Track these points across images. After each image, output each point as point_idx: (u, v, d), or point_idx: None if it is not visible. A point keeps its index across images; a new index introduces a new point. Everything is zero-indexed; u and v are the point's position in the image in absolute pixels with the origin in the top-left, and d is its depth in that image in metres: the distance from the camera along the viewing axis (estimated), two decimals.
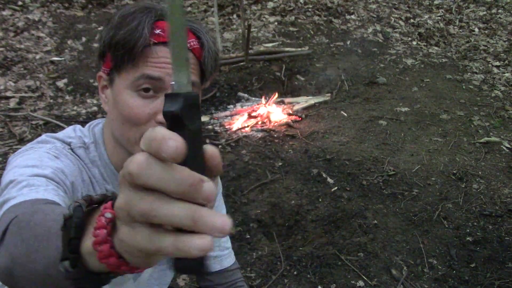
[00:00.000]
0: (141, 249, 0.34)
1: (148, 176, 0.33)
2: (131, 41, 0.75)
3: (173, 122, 0.35)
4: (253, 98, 4.37)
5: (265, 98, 4.19)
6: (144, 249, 0.34)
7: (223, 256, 1.15)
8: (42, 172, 0.74)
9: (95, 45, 4.82)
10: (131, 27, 0.76)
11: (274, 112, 3.99)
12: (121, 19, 0.78)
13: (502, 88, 4.86)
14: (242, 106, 4.22)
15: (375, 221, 2.60)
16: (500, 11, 7.28)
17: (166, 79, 0.78)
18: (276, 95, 4.19)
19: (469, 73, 5.22)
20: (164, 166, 0.33)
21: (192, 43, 0.81)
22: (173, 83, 0.35)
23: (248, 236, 2.49)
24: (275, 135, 3.65)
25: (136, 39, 0.75)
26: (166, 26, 0.37)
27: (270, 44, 5.41)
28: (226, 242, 1.16)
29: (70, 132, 0.89)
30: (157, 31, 0.78)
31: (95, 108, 3.96)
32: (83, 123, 0.95)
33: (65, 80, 4.33)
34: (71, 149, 0.86)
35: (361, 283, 2.18)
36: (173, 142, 0.32)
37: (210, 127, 3.84)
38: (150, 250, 0.34)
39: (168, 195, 0.33)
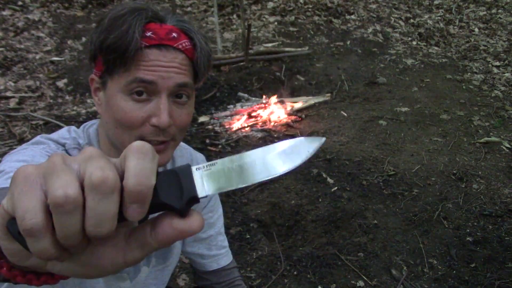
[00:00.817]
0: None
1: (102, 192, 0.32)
2: (123, 45, 0.74)
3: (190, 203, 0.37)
4: (253, 98, 4.37)
5: (266, 98, 4.19)
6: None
7: (220, 255, 1.15)
8: None
9: None
10: (121, 31, 0.74)
11: (275, 112, 3.99)
12: (111, 22, 0.76)
13: (502, 88, 4.86)
14: (242, 106, 4.22)
15: (375, 221, 2.60)
16: (500, 11, 7.29)
17: (159, 82, 0.77)
18: (276, 96, 4.20)
19: (469, 73, 5.23)
20: (111, 200, 0.32)
21: (184, 44, 0.80)
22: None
23: (248, 236, 2.49)
24: (275, 135, 3.65)
25: (127, 43, 0.74)
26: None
27: (270, 44, 5.41)
28: (223, 241, 1.16)
29: (65, 133, 0.89)
30: (148, 34, 0.77)
31: (95, 108, 3.96)
32: (83, 123, 0.95)
33: (65, 80, 4.33)
34: (65, 150, 0.85)
35: (361, 283, 2.18)
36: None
37: (210, 127, 3.84)
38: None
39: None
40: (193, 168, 0.38)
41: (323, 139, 0.41)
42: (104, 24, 0.77)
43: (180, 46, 0.79)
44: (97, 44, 0.78)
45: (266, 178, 0.39)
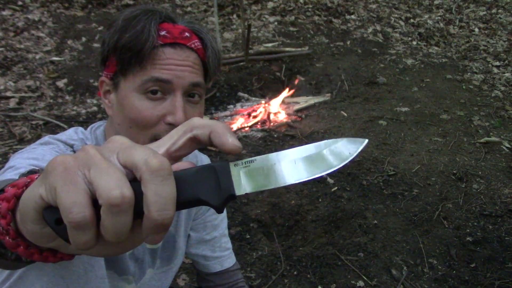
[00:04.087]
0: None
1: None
2: (138, 44, 0.76)
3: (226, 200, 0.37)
4: (253, 98, 4.37)
5: (268, 98, 4.19)
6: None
7: (224, 257, 1.15)
8: (41, 164, 0.74)
9: (95, 45, 4.83)
10: (137, 30, 0.76)
11: (276, 111, 3.99)
12: (125, 23, 0.78)
13: (502, 88, 4.86)
14: (242, 106, 4.22)
15: (375, 221, 2.60)
16: (500, 11, 7.29)
17: (174, 81, 0.78)
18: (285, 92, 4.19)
19: (469, 73, 5.22)
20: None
21: (196, 44, 0.82)
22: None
23: (248, 236, 2.49)
24: (275, 135, 3.65)
25: (143, 41, 0.75)
26: None
27: (270, 44, 5.41)
28: (227, 243, 1.16)
29: (72, 134, 0.89)
30: (163, 33, 0.78)
31: (95, 108, 3.96)
32: (83, 123, 0.95)
33: (65, 80, 4.33)
34: (74, 151, 0.86)
35: (361, 283, 2.18)
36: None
37: None
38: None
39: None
40: (231, 165, 0.37)
41: (366, 141, 0.39)
42: (117, 25, 0.78)
43: (192, 46, 0.81)
44: (111, 44, 0.79)
45: (306, 179, 0.38)
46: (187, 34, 0.81)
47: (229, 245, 1.17)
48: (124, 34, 0.77)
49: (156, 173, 0.32)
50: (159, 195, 0.32)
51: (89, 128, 0.92)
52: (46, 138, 0.86)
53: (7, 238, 0.38)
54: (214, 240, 1.12)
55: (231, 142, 0.37)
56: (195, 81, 0.80)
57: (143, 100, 0.79)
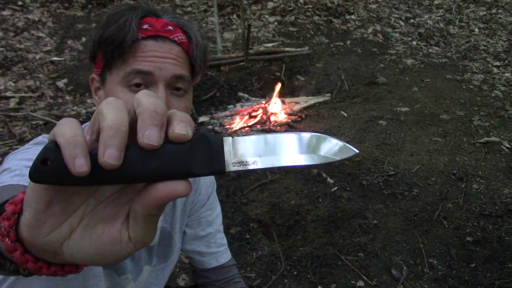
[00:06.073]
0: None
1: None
2: (120, 37, 0.77)
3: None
4: (253, 98, 4.37)
5: (266, 98, 4.19)
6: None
7: (219, 253, 1.15)
8: None
9: None
10: (119, 24, 0.77)
11: (275, 111, 3.99)
12: (109, 18, 0.79)
13: (502, 88, 4.86)
14: (242, 106, 4.22)
15: (375, 221, 2.60)
16: (500, 11, 7.29)
17: (156, 72, 0.79)
18: (277, 91, 4.19)
19: (469, 73, 5.22)
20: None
21: (180, 37, 0.82)
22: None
23: (248, 236, 2.49)
24: None
25: (124, 34, 0.77)
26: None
27: (270, 44, 5.41)
28: (222, 239, 1.17)
29: None
30: (145, 26, 0.79)
31: (95, 108, 3.96)
32: (83, 123, 0.95)
33: (65, 80, 4.33)
34: None
35: (361, 283, 2.18)
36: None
37: (210, 127, 3.84)
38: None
39: None
40: (225, 139, 0.37)
41: (356, 152, 0.39)
42: (102, 21, 0.80)
43: (176, 39, 0.81)
44: (96, 39, 0.81)
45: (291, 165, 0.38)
46: (170, 27, 0.81)
47: (225, 241, 1.18)
48: (107, 29, 0.78)
49: (147, 91, 0.37)
50: (150, 96, 0.36)
51: (83, 126, 0.92)
52: (40, 137, 0.86)
53: (7, 240, 0.38)
54: (209, 236, 1.13)
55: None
56: (177, 73, 0.80)
57: (127, 93, 0.79)
